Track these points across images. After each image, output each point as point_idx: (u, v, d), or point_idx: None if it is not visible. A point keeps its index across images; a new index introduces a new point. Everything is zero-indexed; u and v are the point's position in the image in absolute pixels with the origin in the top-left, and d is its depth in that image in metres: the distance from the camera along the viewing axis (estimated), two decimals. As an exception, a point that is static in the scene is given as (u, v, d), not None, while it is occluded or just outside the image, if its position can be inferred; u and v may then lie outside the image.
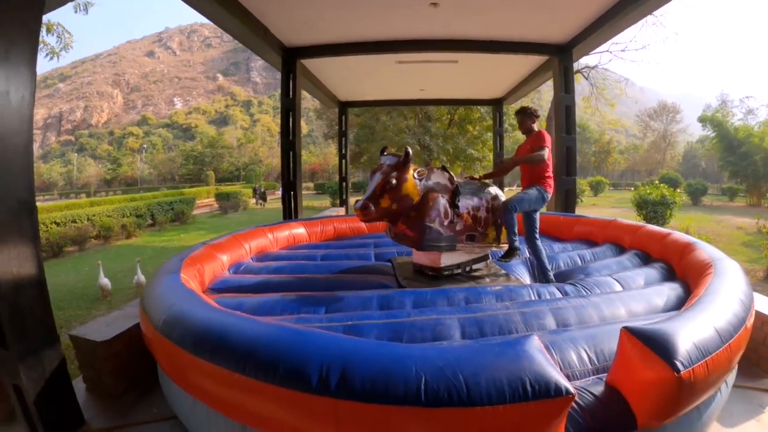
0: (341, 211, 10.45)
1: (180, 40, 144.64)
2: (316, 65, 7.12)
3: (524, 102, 16.19)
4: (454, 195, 3.51)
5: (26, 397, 1.79)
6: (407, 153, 3.15)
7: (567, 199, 6.57)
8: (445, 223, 3.37)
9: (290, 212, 6.35)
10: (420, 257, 3.58)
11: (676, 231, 4.01)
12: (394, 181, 3.09)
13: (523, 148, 3.73)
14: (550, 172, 3.58)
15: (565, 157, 6.51)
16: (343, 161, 11.27)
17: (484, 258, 3.79)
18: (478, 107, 19.24)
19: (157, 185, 53.70)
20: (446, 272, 3.48)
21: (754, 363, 2.70)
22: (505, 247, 3.98)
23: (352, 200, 12.22)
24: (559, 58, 6.34)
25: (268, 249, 4.39)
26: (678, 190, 12.04)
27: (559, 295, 3.11)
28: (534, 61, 7.36)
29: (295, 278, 3.34)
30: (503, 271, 3.77)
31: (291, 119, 6.10)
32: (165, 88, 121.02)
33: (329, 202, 21.18)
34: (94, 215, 13.28)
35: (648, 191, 11.10)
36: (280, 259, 4.10)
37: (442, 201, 3.38)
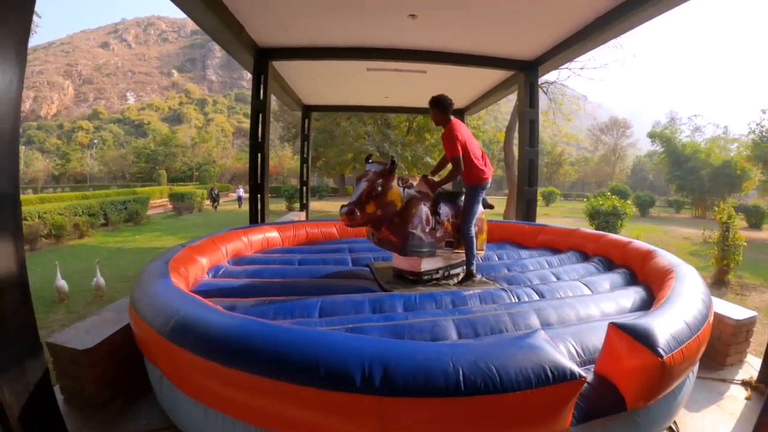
0: (302, 215, 10.30)
1: (136, 32, 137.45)
2: (284, 67, 7.03)
3: (481, 113, 16.82)
4: (435, 203, 3.61)
5: (8, 412, 1.61)
6: (393, 161, 3.21)
7: (528, 208, 6.90)
8: (427, 229, 3.46)
9: (257, 216, 6.16)
10: (400, 262, 3.63)
11: (635, 240, 4.35)
12: (379, 188, 3.14)
13: (444, 139, 3.62)
14: (475, 163, 3.58)
15: (527, 168, 6.84)
16: (305, 165, 11.13)
17: (461, 264, 3.91)
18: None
19: (107, 183, 50.77)
20: (426, 277, 3.56)
21: (711, 357, 3.01)
22: (482, 253, 4.15)
23: (313, 205, 12.08)
24: (526, 74, 6.68)
25: (243, 252, 4.26)
26: (628, 202, 12.95)
27: (536, 297, 3.29)
28: (499, 75, 7.71)
29: (278, 283, 3.26)
30: (479, 275, 3.90)
31: (261, 121, 5.96)
32: (118, 82, 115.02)
33: (285, 206, 20.80)
34: (45, 213, 12.33)
35: (600, 202, 11.87)
36: (257, 263, 3.99)
37: (424, 209, 3.47)
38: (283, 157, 49.81)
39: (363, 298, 2.82)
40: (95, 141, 74.84)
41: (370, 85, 9.12)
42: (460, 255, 3.82)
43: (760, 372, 2.94)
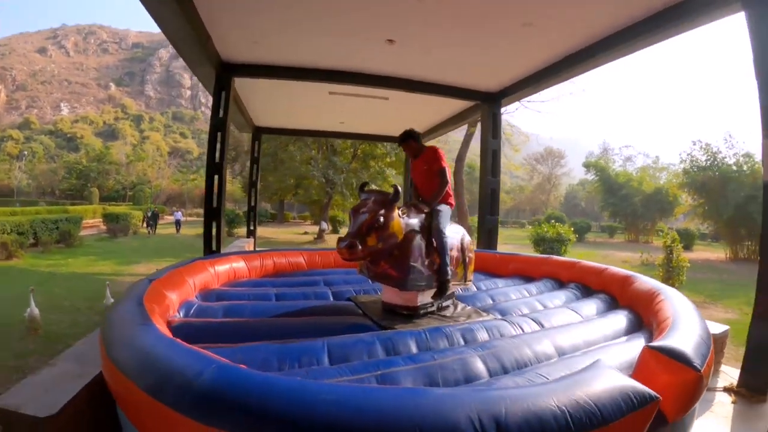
0: (249, 242, 9.65)
1: (76, 40, 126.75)
2: (242, 85, 6.63)
3: (432, 141, 17.18)
4: (428, 234, 3.45)
5: None
6: (396, 190, 3.02)
7: (490, 237, 6.99)
8: (426, 262, 3.28)
9: (212, 243, 5.59)
10: (392, 296, 3.37)
11: (611, 266, 4.50)
12: (381, 219, 2.92)
13: (418, 167, 3.74)
14: (450, 189, 3.68)
15: (489, 197, 6.98)
16: (253, 190, 10.54)
17: (452, 295, 3.75)
18: (383, 144, 19.93)
19: (35, 198, 45.73)
20: (422, 311, 3.35)
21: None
22: (469, 284, 4.02)
23: (261, 231, 11.42)
24: (489, 105, 6.90)
25: (210, 285, 3.76)
26: (571, 229, 13.78)
27: (536, 326, 3.21)
28: (459, 105, 7.91)
29: (265, 323, 2.86)
30: (468, 306, 3.77)
31: (219, 140, 5.49)
32: (53, 91, 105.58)
33: (226, 232, 19.55)
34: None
35: (545, 229, 12.55)
36: (230, 298, 3.51)
37: (422, 239, 3.30)
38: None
39: (372, 338, 2.54)
40: (24, 152, 68.07)
41: (328, 110, 8.95)
42: (452, 285, 3.67)
43: (739, 378, 3.29)
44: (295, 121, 10.23)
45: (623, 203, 28.34)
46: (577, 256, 12.01)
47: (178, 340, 1.75)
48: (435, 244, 3.38)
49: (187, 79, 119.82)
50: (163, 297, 2.70)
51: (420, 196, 3.76)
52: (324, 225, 22.94)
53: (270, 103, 8.25)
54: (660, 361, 1.94)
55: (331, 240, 22.27)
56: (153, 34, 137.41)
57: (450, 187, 3.65)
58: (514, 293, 4.43)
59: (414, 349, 2.54)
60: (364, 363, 2.15)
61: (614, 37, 4.43)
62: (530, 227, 23.82)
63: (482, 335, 2.88)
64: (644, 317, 3.36)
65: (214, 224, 5.61)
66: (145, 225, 21.99)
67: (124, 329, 1.90)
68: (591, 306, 3.81)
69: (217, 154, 5.44)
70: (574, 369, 2.21)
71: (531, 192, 61.00)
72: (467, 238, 3.84)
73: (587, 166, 31.67)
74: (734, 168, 18.16)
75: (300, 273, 5.05)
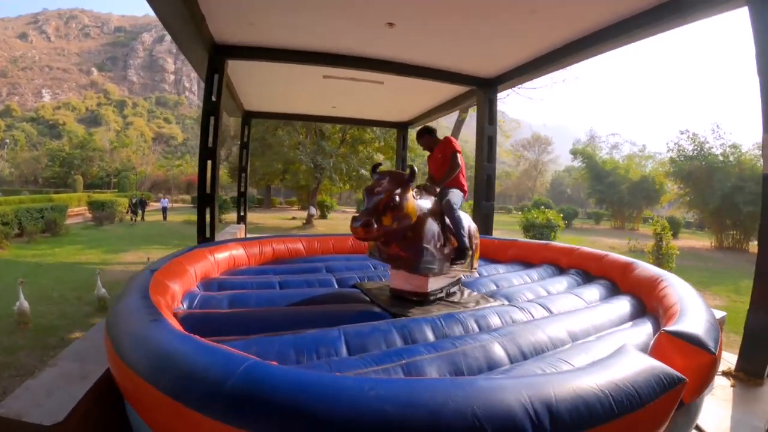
0: (240, 228, 9.48)
1: (57, 24, 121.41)
2: (232, 68, 6.39)
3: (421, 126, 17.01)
4: (442, 218, 3.41)
5: None
6: (413, 171, 2.96)
7: (486, 222, 6.98)
8: (438, 245, 3.23)
9: (206, 231, 5.44)
10: (401, 283, 3.33)
11: (611, 252, 4.53)
12: (397, 199, 2.85)
13: (434, 157, 3.87)
14: (464, 177, 3.79)
15: (485, 183, 6.96)
16: (243, 175, 10.32)
17: (458, 281, 3.73)
18: (373, 129, 19.71)
19: (18, 188, 44.12)
20: (432, 297, 3.32)
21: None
22: (476, 273, 4.00)
23: (248, 217, 11.22)
24: (485, 91, 6.82)
25: (210, 274, 3.65)
26: (560, 215, 13.91)
27: (544, 312, 3.22)
28: (453, 90, 7.80)
29: (273, 312, 2.78)
30: (475, 292, 3.76)
31: (212, 124, 5.31)
32: (34, 77, 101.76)
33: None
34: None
35: (535, 215, 12.66)
36: (233, 287, 3.41)
37: (435, 223, 3.25)
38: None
39: (388, 326, 2.49)
40: (6, 140, 65.82)
41: (320, 94, 8.74)
42: (458, 271, 3.65)
43: (737, 363, 3.41)
44: (286, 105, 10.00)
45: (610, 190, 28.57)
46: (567, 241, 12.19)
47: (196, 336, 1.66)
48: (448, 220, 3.39)
49: (170, 63, 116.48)
50: (167, 288, 2.59)
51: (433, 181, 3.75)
52: (313, 210, 22.74)
53: (262, 87, 8.01)
54: (676, 345, 2.01)
55: (320, 225, 22.17)
56: (136, 17, 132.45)
57: (463, 174, 3.71)
58: (517, 279, 4.44)
59: (431, 336, 2.51)
60: (386, 352, 2.10)
61: (615, 26, 4.40)
62: (518, 213, 23.99)
63: (495, 321, 2.87)
64: (647, 303, 3.41)
65: (207, 211, 5.45)
66: (129, 212, 21.23)
67: (134, 325, 1.79)
68: (593, 291, 3.85)
69: (210, 139, 5.26)
70: (591, 353, 2.25)
71: (517, 178, 60.87)
72: (473, 225, 3.82)
73: (574, 153, 31.71)
74: (721, 158, 18.39)
75: (300, 259, 4.97)
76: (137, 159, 55.26)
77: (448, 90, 7.84)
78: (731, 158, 18.06)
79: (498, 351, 2.25)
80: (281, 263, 4.72)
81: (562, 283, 4.26)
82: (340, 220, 26.02)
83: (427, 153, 4.05)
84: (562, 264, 4.91)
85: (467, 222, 3.62)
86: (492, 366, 2.14)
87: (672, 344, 2.03)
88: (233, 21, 4.61)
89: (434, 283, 3.32)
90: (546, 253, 5.21)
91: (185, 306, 2.77)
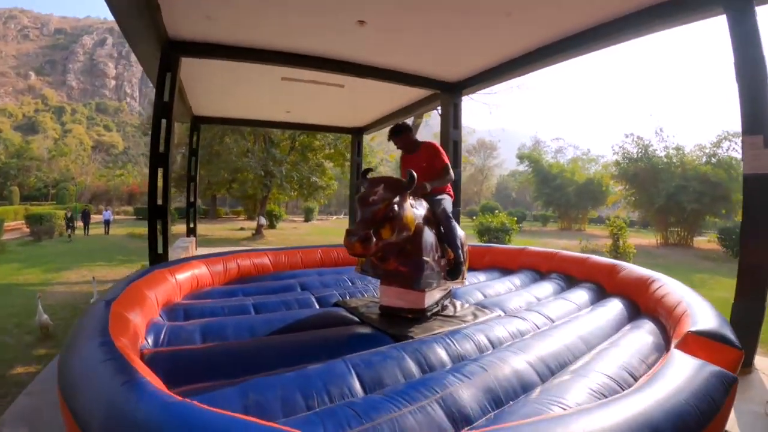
0: (191, 242, 8.73)
1: None
2: (183, 68, 5.79)
3: (375, 133, 16.89)
4: (437, 224, 3.19)
5: None
6: (412, 176, 2.68)
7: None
8: (436, 257, 3.00)
9: (158, 247, 4.84)
10: (393, 299, 3.04)
11: (592, 255, 4.54)
12: (396, 208, 2.57)
13: (414, 161, 3.52)
14: (451, 186, 3.71)
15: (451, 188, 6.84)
16: (192, 184, 9.54)
17: (450, 293, 3.52)
18: (324, 135, 19.26)
19: None
20: (429, 312, 3.06)
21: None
22: (465, 282, 3.79)
23: (201, 228, 10.42)
24: (450, 95, 6.72)
25: (173, 298, 3.16)
26: (514, 218, 14.19)
27: (545, 320, 3.10)
28: (416, 94, 7.66)
29: (259, 345, 2.35)
30: (467, 304, 3.57)
31: (164, 128, 4.74)
32: None
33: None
34: None
35: (489, 219, 12.82)
36: (201, 313, 2.94)
37: (431, 232, 3.01)
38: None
39: (398, 352, 2.20)
40: None
41: (276, 98, 8.27)
42: (450, 283, 3.43)
43: None
44: (238, 109, 9.37)
45: (557, 193, 29.58)
46: (520, 244, 12.50)
47: (195, 402, 1.26)
48: (444, 230, 3.20)
49: (111, 68, 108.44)
50: (128, 323, 2.12)
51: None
52: (263, 220, 21.84)
53: (214, 90, 7.41)
54: (704, 345, 2.02)
55: (270, 235, 21.32)
56: (77, 19, 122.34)
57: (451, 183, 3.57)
58: (501, 286, 4.33)
59: (446, 358, 2.27)
60: (411, 384, 1.80)
61: (590, 31, 4.40)
62: (471, 219, 24.45)
63: (503, 334, 2.71)
64: (641, 303, 3.40)
65: (159, 224, 4.85)
66: (65, 227, 19.02)
67: (101, 391, 1.34)
68: (582, 295, 3.82)
69: (162, 144, 4.69)
70: (617, 361, 2.15)
71: (464, 183, 62.37)
72: (462, 232, 3.62)
73: (521, 157, 32.67)
74: (665, 160, 19.70)
75: (268, 276, 4.56)
76: (76, 169, 52.23)
77: (409, 94, 7.69)
78: (675, 159, 19.43)
79: (527, 369, 2.09)
80: (249, 281, 4.28)
81: (546, 288, 4.21)
82: (289, 230, 25.29)
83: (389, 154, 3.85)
84: (541, 269, 4.87)
85: (460, 231, 3.43)
86: (526, 387, 1.96)
87: (700, 344, 2.02)
88: (190, 13, 4.10)
89: (430, 298, 3.07)
90: (524, 258, 5.17)
91: (150, 342, 2.30)
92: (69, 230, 18.32)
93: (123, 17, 3.69)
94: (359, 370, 1.97)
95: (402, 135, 3.50)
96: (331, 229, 27.16)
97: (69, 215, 19.18)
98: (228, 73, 6.38)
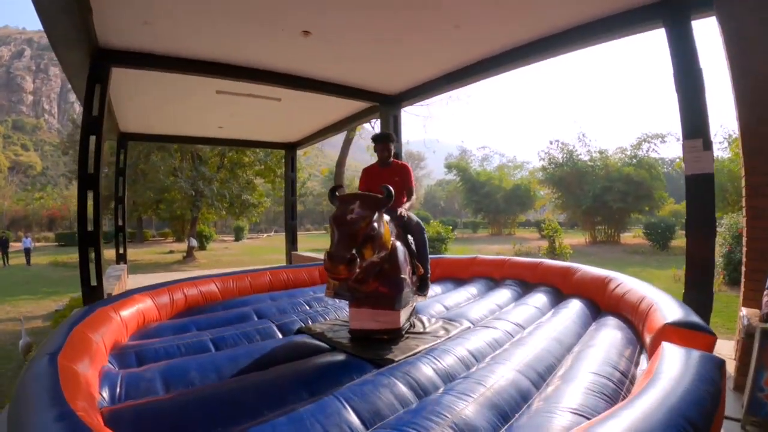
0: (123, 269, 7.92)
1: None
2: (111, 80, 5.35)
3: (307, 148, 16.58)
4: (406, 235, 3.15)
5: None
6: (389, 192, 2.60)
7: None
8: (410, 274, 2.94)
9: (90, 279, 4.31)
10: (366, 321, 2.89)
11: (544, 259, 4.74)
12: (376, 226, 2.48)
13: (386, 176, 3.47)
14: None
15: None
16: (120, 206, 8.72)
17: (414, 310, 3.47)
18: (254, 151, 18.66)
19: None
20: (403, 332, 2.98)
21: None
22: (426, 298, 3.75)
23: (129, 253, 9.49)
24: (389, 107, 6.83)
25: (121, 340, 2.78)
26: (449, 227, 14.58)
27: (516, 327, 3.17)
28: (353, 107, 7.65)
29: (231, 389, 2.09)
30: (433, 318, 3.54)
31: (94, 146, 4.25)
32: None
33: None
34: None
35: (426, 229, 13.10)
36: (156, 356, 2.60)
37: (403, 247, 2.95)
38: (70, 198, 40.73)
39: (387, 378, 2.10)
40: None
41: (209, 113, 7.87)
42: (416, 299, 3.42)
43: None
44: (168, 125, 8.73)
45: (486, 200, 30.90)
46: (456, 251, 12.92)
47: None
48: (417, 244, 3.25)
49: (29, 82, 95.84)
50: (78, 378, 1.81)
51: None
52: (193, 242, 20.58)
53: (144, 104, 6.82)
54: (683, 335, 2.14)
55: (201, 257, 20.15)
56: None
57: None
58: (458, 296, 4.39)
59: (436, 378, 2.21)
60: (417, 412, 1.72)
61: (535, 44, 4.64)
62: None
63: (481, 345, 2.70)
64: (600, 302, 3.60)
65: (91, 253, 4.33)
66: None
67: None
68: (540, 298, 3.97)
69: (91, 163, 4.20)
70: (605, 359, 2.23)
71: None
72: None
73: (449, 167, 33.81)
74: (589, 163, 21.34)
75: (218, 305, 4.19)
76: None
77: (347, 107, 7.68)
78: (598, 162, 21.11)
79: (520, 378, 2.09)
80: (199, 312, 3.91)
81: (504, 294, 4.31)
82: (221, 250, 24.11)
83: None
84: (494, 276, 5.00)
85: None
86: (525, 397, 1.97)
87: (679, 334, 2.15)
88: (125, 18, 3.70)
89: (404, 316, 3.00)
90: (475, 267, 5.28)
91: (107, 396, 1.98)
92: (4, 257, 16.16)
93: (50, 22, 3.25)
94: (354, 404, 1.84)
95: (389, 143, 3.53)
96: (264, 247, 26.34)
97: (4, 239, 17.19)
98: (159, 86, 5.95)
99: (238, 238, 33.39)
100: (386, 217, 2.95)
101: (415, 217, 3.32)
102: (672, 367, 1.63)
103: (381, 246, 2.53)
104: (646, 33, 3.91)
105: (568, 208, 22.19)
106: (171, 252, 22.87)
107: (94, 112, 4.17)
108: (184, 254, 20.15)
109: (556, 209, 24.12)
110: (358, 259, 2.27)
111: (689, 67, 3.26)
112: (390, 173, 3.47)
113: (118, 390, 2.06)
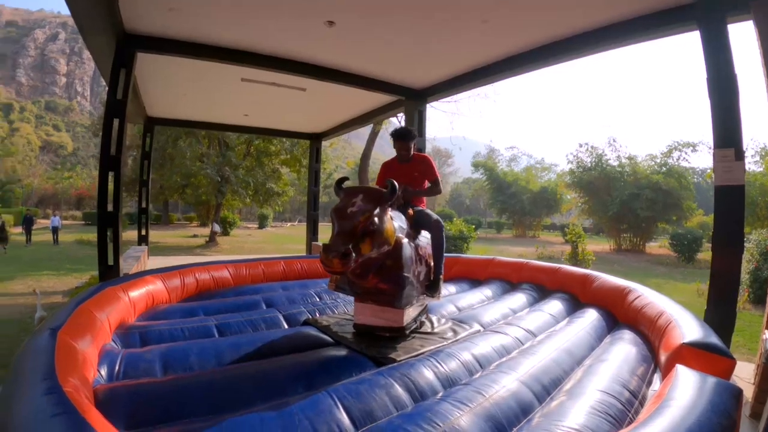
0: (144, 250, 8.14)
1: None
2: (138, 65, 5.38)
3: (333, 139, 16.64)
4: (416, 233, 3.07)
5: None
6: (393, 186, 2.53)
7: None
8: (416, 272, 2.87)
9: (108, 258, 4.41)
10: (369, 317, 2.86)
11: (564, 265, 4.58)
12: (377, 221, 2.42)
13: (406, 171, 3.44)
14: None
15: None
16: (144, 189, 8.94)
17: (425, 309, 3.39)
18: (280, 140, 18.83)
19: None
20: (407, 331, 2.92)
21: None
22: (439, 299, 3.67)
23: (152, 235, 9.76)
24: (415, 102, 6.70)
25: (127, 319, 2.83)
26: (472, 226, 14.39)
27: (525, 333, 3.06)
28: (378, 101, 7.57)
29: (228, 375, 2.10)
30: (444, 319, 3.46)
31: (117, 128, 4.34)
32: None
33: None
34: None
35: (447, 227, 12.91)
36: (159, 337, 2.63)
37: (410, 246, 2.88)
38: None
39: (385, 378, 2.04)
40: None
41: (234, 100, 7.93)
42: (425, 299, 3.32)
43: None
44: (195, 111, 8.88)
45: (512, 200, 30.34)
46: (478, 251, 12.71)
47: None
48: (434, 242, 3.17)
49: (63, 65, 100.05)
50: (77, 355, 1.82)
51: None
52: (216, 227, 20.99)
53: (170, 89, 6.95)
54: (700, 357, 2.02)
55: (224, 242, 20.53)
56: (30, 12, 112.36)
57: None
58: (473, 298, 4.28)
59: (435, 381, 2.14)
60: (409, 417, 1.66)
61: (564, 42, 4.46)
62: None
63: (488, 351, 2.61)
64: (617, 313, 3.44)
65: (110, 233, 4.43)
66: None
67: None
68: (557, 305, 3.83)
69: (113, 146, 4.29)
70: (615, 376, 2.10)
71: None
72: None
73: (476, 165, 33.39)
74: (618, 169, 20.70)
75: (230, 291, 4.23)
76: (23, 170, 49.21)
77: (372, 100, 7.60)
78: (627, 168, 20.44)
79: (522, 390, 2.00)
80: (209, 297, 3.95)
81: (520, 299, 4.19)
82: (244, 237, 24.46)
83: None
84: (512, 279, 4.87)
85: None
86: (525, 410, 1.88)
87: (696, 356, 2.03)
88: (151, 4, 3.75)
89: (408, 315, 2.93)
90: (492, 268, 5.16)
91: (104, 374, 2.00)
92: (1, 242, 15.51)
93: (77, 6, 3.31)
94: (347, 403, 1.79)
95: (409, 140, 3.42)
96: (286, 236, 26.58)
97: (0, 223, 16.43)
98: (186, 72, 6.01)
99: (261, 226, 33.80)
100: (397, 216, 2.90)
101: (434, 215, 3.23)
102: (684, 394, 1.53)
103: (382, 241, 2.47)
104: (681, 36, 3.69)
105: (594, 213, 21.55)
106: (194, 236, 23.37)
107: (118, 96, 4.24)
108: (207, 239, 20.54)
109: (582, 214, 23.46)
110: (353, 254, 2.22)
111: (724, 72, 3.06)
112: (409, 168, 3.41)
113: (116, 368, 2.08)
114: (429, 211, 3.27)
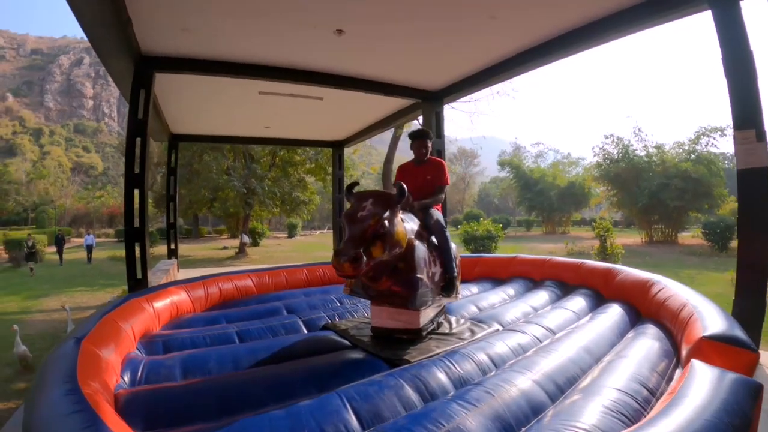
0: (173, 264, 8.44)
1: None
2: (159, 85, 5.62)
3: (356, 146, 16.79)
4: (430, 235, 3.07)
5: None
6: (402, 189, 2.55)
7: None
8: (430, 274, 2.87)
9: (136, 272, 4.61)
10: (386, 319, 2.89)
11: (586, 260, 4.47)
12: (387, 224, 2.44)
13: (420, 173, 3.45)
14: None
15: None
16: (172, 204, 9.27)
17: (444, 309, 3.37)
18: (305, 149, 19.14)
19: None
20: (424, 332, 2.92)
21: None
22: (459, 297, 3.64)
23: (180, 248, 10.09)
24: (431, 104, 6.69)
25: (151, 328, 2.95)
26: (499, 225, 14.20)
27: (545, 332, 3.00)
28: (396, 105, 7.60)
29: (243, 379, 2.16)
30: (462, 319, 3.44)
31: (140, 147, 4.54)
32: None
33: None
34: None
35: (475, 228, 12.78)
36: (182, 345, 2.74)
37: (423, 247, 2.88)
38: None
39: (395, 380, 2.05)
40: None
41: (254, 113, 8.14)
42: (442, 300, 3.30)
43: None
44: (217, 126, 9.18)
45: (539, 197, 29.80)
46: (506, 250, 12.49)
47: None
48: (438, 243, 3.10)
49: (89, 88, 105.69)
50: (100, 362, 1.93)
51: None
52: (245, 238, 21.48)
53: (191, 107, 7.22)
54: (720, 350, 1.96)
55: (253, 253, 20.96)
56: (54, 39, 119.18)
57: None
58: (495, 297, 4.23)
59: (446, 382, 2.13)
60: (414, 418, 1.66)
61: (573, 33, 4.37)
62: (454, 227, 24.40)
63: (504, 351, 2.58)
64: (641, 308, 3.33)
65: (137, 248, 4.63)
66: (25, 258, 16.25)
67: None
68: (579, 302, 3.74)
69: (137, 164, 4.49)
70: (634, 374, 2.03)
71: (446, 193, 61.82)
72: (454, 245, 3.51)
73: (502, 164, 32.88)
74: (645, 159, 19.98)
75: (252, 299, 4.34)
76: (56, 191, 51.40)
77: (390, 105, 7.64)
78: (655, 158, 19.70)
79: (535, 389, 1.96)
80: (231, 306, 4.06)
81: (542, 296, 4.12)
82: (273, 247, 24.91)
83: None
84: (534, 277, 4.79)
85: (453, 244, 3.31)
86: (536, 410, 1.84)
87: (716, 350, 1.96)
88: (164, 26, 3.94)
89: (425, 317, 2.93)
90: (514, 267, 5.09)
91: (127, 380, 2.10)
92: (29, 262, 15.19)
93: (93, 33, 3.51)
94: (355, 404, 1.81)
95: (426, 140, 3.45)
96: (315, 244, 26.91)
97: (30, 243, 16.47)
98: (204, 89, 6.24)
99: (290, 235, 34.43)
100: (409, 218, 2.91)
101: (435, 215, 3.21)
102: (696, 392, 1.46)
103: (393, 244, 2.49)
104: (696, 17, 3.55)
105: (624, 206, 20.79)
106: (224, 248, 24.00)
107: (139, 116, 4.44)
108: (237, 250, 21.04)
109: (611, 207, 22.68)
110: (364, 258, 2.24)
111: (739, 51, 2.91)
112: (424, 171, 3.42)
113: (139, 375, 2.18)
114: (431, 211, 3.25)
